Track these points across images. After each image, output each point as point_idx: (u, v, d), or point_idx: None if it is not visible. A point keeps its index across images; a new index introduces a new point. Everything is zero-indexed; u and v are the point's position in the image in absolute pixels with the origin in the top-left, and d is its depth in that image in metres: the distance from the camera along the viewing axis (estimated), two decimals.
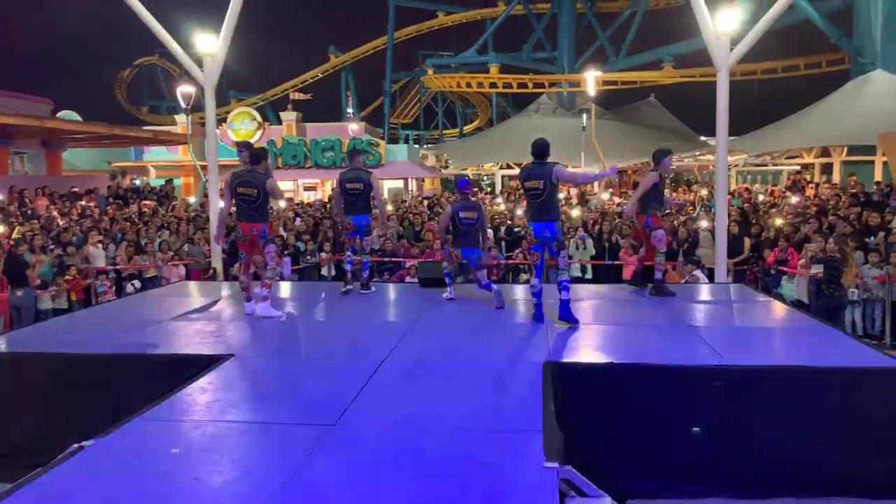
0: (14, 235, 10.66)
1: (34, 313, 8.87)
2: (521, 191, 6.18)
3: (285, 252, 10.77)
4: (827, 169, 25.77)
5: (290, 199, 18.88)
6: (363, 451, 3.26)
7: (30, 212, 13.61)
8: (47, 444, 3.95)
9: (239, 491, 2.89)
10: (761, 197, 18.37)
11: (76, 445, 3.34)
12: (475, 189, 26.48)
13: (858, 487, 4.13)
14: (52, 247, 10.41)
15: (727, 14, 8.63)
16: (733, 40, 8.78)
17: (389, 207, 15.78)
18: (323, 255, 10.96)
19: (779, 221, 11.01)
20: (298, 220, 13.19)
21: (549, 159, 5.85)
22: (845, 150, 23.81)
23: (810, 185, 20.52)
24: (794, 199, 15.14)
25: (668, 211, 7.67)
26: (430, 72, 40.92)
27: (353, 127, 29.23)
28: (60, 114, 24.67)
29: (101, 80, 48.17)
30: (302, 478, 2.99)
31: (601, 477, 3.90)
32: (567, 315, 5.72)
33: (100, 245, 10.70)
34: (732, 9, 8.74)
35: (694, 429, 4.25)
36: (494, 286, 6.68)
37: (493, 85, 38.01)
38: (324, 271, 10.98)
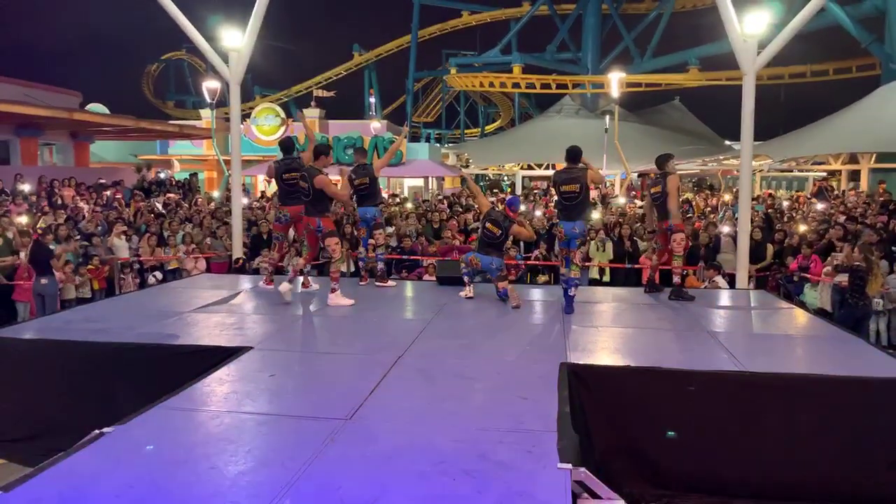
0: (39, 225, 10.86)
1: (58, 301, 9.03)
2: (554, 193, 6.41)
3: None
4: (854, 176, 25.31)
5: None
6: (377, 446, 3.28)
7: (59, 201, 13.87)
8: (68, 430, 4.04)
9: (254, 481, 2.93)
10: (786, 203, 18.10)
11: (96, 431, 3.40)
12: (496, 191, 26.43)
13: (876, 500, 4.06)
14: (78, 237, 10.60)
15: (755, 17, 8.52)
16: (761, 43, 8.66)
17: (409, 205, 15.82)
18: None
19: (803, 228, 10.85)
20: None
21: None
22: (874, 157, 23.37)
23: (835, 193, 20.19)
24: (819, 206, 14.89)
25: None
26: (454, 71, 40.92)
27: (376, 125, 29.33)
28: (89, 107, 25.09)
29: (129, 75, 48.99)
30: (316, 470, 3.01)
31: (615, 480, 3.89)
32: (569, 310, 6.26)
33: (123, 236, 10.87)
34: (760, 11, 8.62)
35: (669, 432, 4.22)
36: (508, 287, 6.69)
37: (515, 85, 37.91)
38: (342, 267, 11.03)
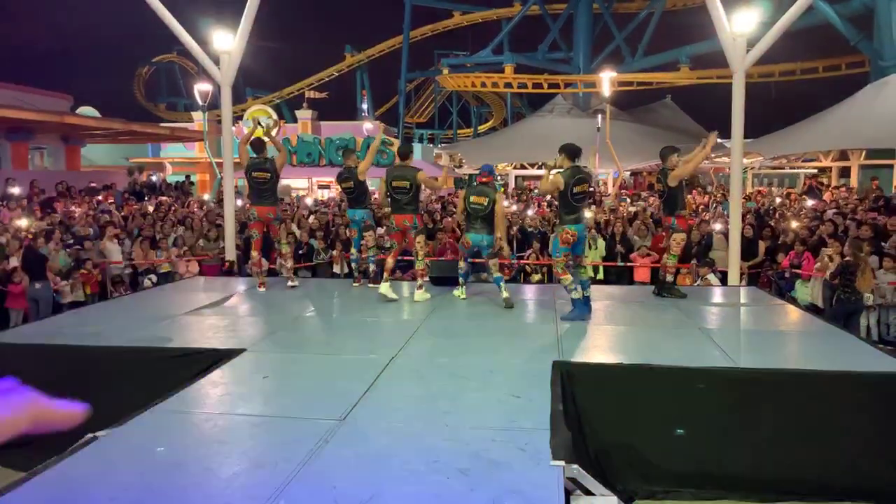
0: (31, 228, 10.81)
1: (52, 306, 8.99)
2: (570, 195, 5.96)
3: (300, 252, 10.86)
4: (845, 173, 25.47)
5: (302, 196, 19.04)
6: (371, 446, 3.29)
7: (46, 201, 13.79)
8: (61, 434, 4.02)
9: (248, 482, 2.93)
10: (778, 200, 18.21)
11: (90, 435, 3.40)
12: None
13: (867, 494, 4.09)
14: (71, 241, 10.56)
15: (744, 15, 8.57)
16: (750, 42, 8.70)
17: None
18: (335, 252, 11.03)
19: (794, 224, 10.92)
20: (312, 217, 13.27)
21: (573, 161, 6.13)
22: (864, 153, 23.53)
23: (828, 189, 20.32)
24: (809, 203, 15.00)
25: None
26: (446, 71, 40.88)
27: (368, 126, 29.35)
28: (80, 110, 24.96)
29: (120, 77, 48.73)
30: (310, 471, 3.02)
31: (609, 477, 3.91)
32: (587, 311, 6.05)
33: (115, 240, 10.83)
34: (749, 10, 8.67)
35: (677, 430, 4.24)
36: (502, 284, 6.64)
37: (507, 85, 37.91)
38: (336, 269, 11.05)
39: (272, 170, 7.32)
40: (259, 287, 7.50)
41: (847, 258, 7.93)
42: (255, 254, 7.60)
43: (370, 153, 7.72)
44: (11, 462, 4.53)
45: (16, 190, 14.14)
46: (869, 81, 24.63)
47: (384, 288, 6.84)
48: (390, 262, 6.93)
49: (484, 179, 6.79)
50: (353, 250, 8.01)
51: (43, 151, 21.50)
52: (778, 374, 4.41)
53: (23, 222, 10.86)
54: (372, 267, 7.75)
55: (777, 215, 13.83)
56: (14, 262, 9.03)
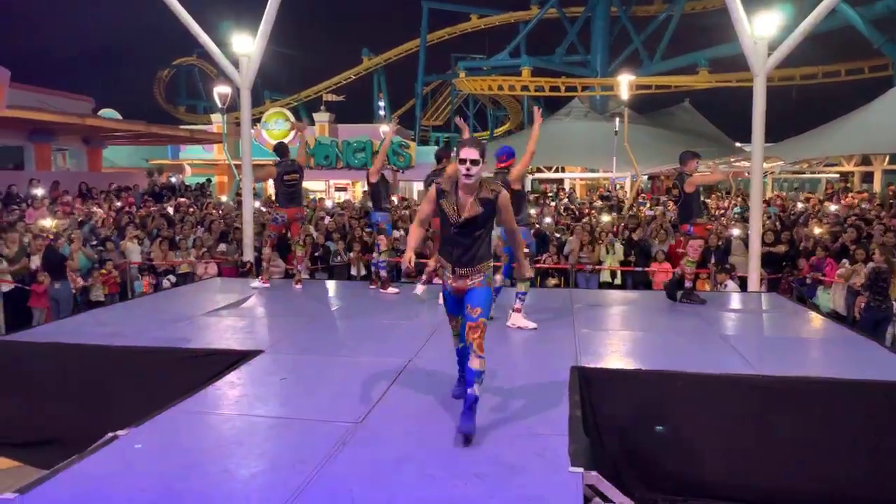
0: (52, 228, 10.95)
1: (73, 305, 9.10)
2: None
3: (315, 254, 10.91)
4: (867, 177, 25.09)
5: (321, 199, 19.11)
6: (387, 449, 3.28)
7: (76, 206, 13.96)
8: (82, 433, 4.07)
9: (265, 484, 2.94)
10: (800, 205, 17.96)
11: (111, 434, 3.43)
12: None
13: None
14: (94, 241, 10.70)
15: (765, 18, 8.47)
16: (771, 45, 8.61)
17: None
18: (352, 255, 11.05)
19: (818, 230, 10.75)
20: (329, 219, 13.32)
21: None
22: (887, 158, 23.16)
23: (848, 194, 20.04)
24: (832, 208, 14.78)
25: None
26: (462, 74, 40.87)
27: (385, 128, 29.42)
28: (101, 112, 25.23)
29: (141, 80, 49.27)
30: (326, 473, 3.02)
31: (628, 484, 3.87)
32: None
33: (135, 240, 10.94)
34: (771, 13, 8.57)
35: (657, 427, 4.19)
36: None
37: (524, 88, 37.77)
38: (353, 271, 11.07)
39: (299, 169, 7.62)
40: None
41: (877, 265, 7.75)
42: (267, 251, 7.96)
43: (380, 154, 7.48)
44: (34, 460, 4.60)
45: (39, 191, 14.35)
46: (893, 85, 24.24)
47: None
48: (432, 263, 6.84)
49: (502, 165, 5.88)
50: (374, 253, 7.98)
51: (65, 153, 21.79)
52: (800, 383, 4.34)
53: (46, 222, 11.01)
54: (382, 272, 7.64)
55: (799, 220, 13.64)
56: (36, 261, 9.16)
